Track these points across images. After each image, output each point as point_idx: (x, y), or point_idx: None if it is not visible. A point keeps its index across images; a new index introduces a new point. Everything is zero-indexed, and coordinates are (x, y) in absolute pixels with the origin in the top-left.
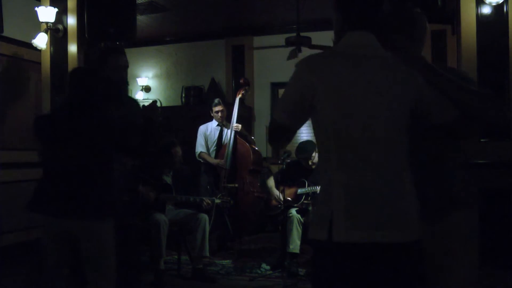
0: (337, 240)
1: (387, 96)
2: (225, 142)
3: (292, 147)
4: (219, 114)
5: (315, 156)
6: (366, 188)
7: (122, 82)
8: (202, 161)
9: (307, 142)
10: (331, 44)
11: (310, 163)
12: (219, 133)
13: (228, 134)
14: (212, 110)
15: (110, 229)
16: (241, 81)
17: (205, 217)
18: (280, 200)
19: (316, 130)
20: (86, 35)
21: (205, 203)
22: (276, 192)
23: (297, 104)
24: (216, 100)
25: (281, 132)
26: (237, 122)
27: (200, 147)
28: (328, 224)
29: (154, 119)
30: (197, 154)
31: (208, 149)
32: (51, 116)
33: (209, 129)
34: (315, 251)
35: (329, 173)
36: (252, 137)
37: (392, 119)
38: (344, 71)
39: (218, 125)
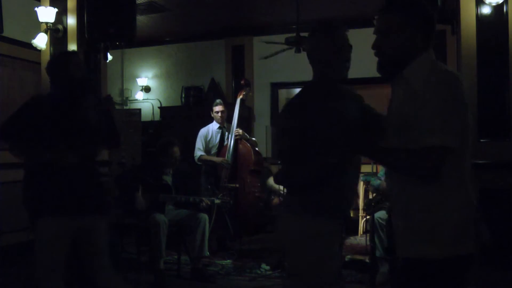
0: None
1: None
2: (226, 143)
3: None
4: (219, 114)
5: None
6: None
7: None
8: (201, 163)
9: None
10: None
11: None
12: (221, 136)
13: (229, 138)
14: (212, 110)
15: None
16: (242, 82)
17: (205, 217)
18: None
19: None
20: (86, 35)
21: (203, 203)
22: (277, 187)
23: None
24: (217, 100)
25: (447, 159)
26: (237, 123)
27: (198, 151)
28: (472, 236)
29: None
30: (196, 158)
31: (208, 152)
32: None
33: (210, 132)
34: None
35: (467, 181)
36: (254, 138)
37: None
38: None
39: (219, 127)
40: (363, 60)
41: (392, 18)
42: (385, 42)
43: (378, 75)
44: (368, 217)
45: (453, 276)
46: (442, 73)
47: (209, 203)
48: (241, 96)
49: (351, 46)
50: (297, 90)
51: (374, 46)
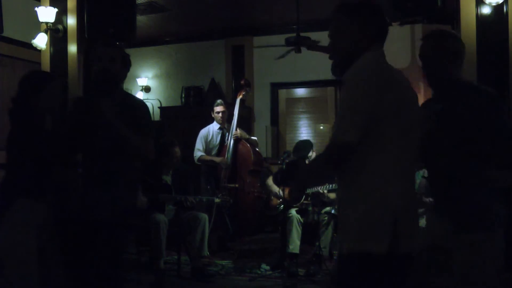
0: (403, 251)
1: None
2: (226, 143)
3: (291, 147)
4: (220, 115)
5: (312, 155)
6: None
7: (103, 74)
8: (201, 164)
9: (305, 141)
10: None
11: (307, 162)
12: (221, 137)
13: (229, 138)
14: (213, 111)
15: None
16: (242, 82)
17: (204, 217)
18: (280, 195)
19: (374, 144)
20: (86, 35)
21: (188, 202)
22: (276, 189)
23: (369, 120)
24: (218, 101)
25: (349, 153)
26: (237, 123)
27: (198, 151)
28: (390, 235)
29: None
30: (196, 159)
31: (209, 153)
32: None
33: (211, 133)
34: (367, 265)
35: (388, 182)
36: (254, 137)
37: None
38: (400, 85)
39: (220, 128)
40: None
41: (338, 20)
42: (334, 44)
43: None
44: None
45: (365, 272)
46: (365, 70)
47: (194, 202)
48: (241, 96)
49: None
50: (297, 90)
51: (327, 49)
